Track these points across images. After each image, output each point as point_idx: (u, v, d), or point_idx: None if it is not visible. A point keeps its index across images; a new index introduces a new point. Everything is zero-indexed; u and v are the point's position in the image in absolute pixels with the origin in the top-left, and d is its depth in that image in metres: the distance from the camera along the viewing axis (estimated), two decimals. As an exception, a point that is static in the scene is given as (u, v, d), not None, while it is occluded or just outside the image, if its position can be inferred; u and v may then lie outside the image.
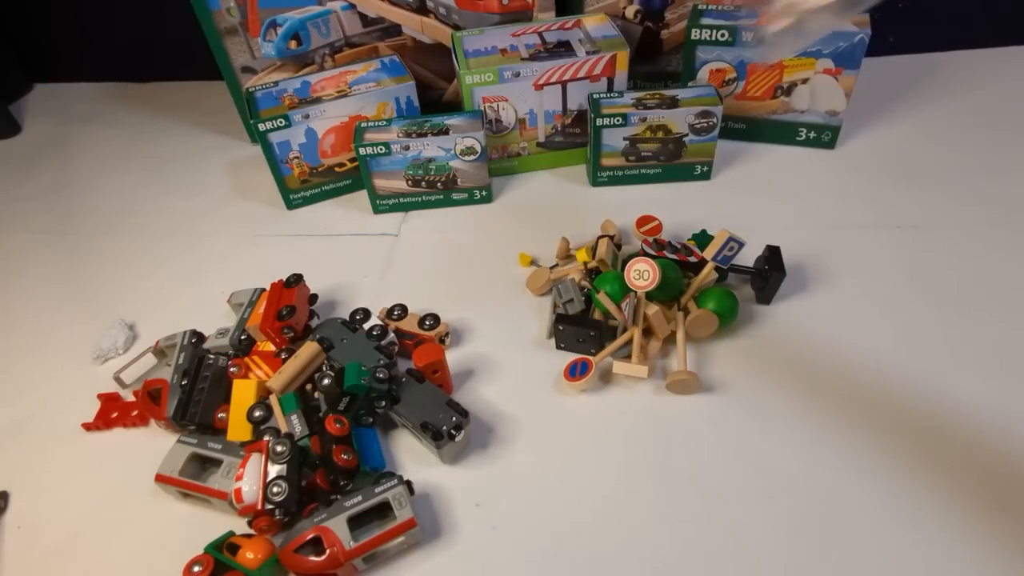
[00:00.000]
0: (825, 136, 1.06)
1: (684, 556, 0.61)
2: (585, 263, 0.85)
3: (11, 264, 1.03)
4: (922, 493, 0.64)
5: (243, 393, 0.73)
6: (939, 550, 0.60)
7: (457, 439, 0.68)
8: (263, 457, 0.64)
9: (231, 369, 0.76)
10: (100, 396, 0.79)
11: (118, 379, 0.80)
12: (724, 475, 0.67)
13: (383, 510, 0.63)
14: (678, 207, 0.98)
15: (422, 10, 1.08)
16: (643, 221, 0.90)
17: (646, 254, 0.83)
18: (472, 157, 0.98)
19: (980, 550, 0.59)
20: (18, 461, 0.75)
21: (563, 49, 0.99)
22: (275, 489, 0.62)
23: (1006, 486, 0.63)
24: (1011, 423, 0.68)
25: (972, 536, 0.60)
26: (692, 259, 0.82)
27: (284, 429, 0.67)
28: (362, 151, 0.96)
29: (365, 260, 0.96)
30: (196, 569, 0.59)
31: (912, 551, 0.60)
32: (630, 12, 1.11)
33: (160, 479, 0.68)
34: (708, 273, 0.81)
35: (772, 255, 0.81)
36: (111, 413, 0.77)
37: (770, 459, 0.68)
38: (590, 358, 0.76)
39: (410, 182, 1.00)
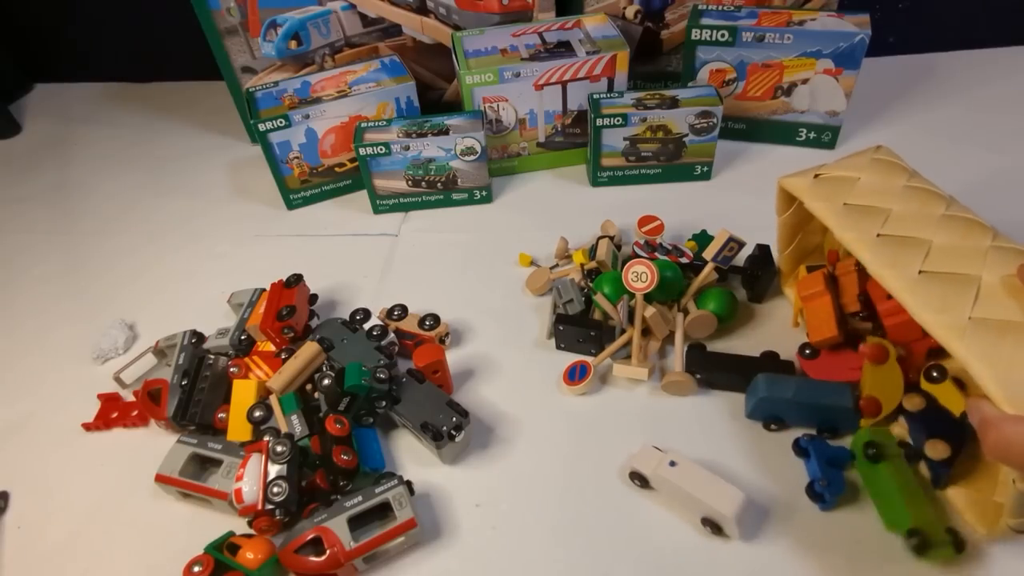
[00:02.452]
0: (825, 136, 1.06)
1: (685, 556, 0.61)
2: (582, 264, 0.85)
3: (11, 264, 1.03)
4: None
5: (243, 393, 0.73)
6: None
7: (457, 439, 0.68)
8: (263, 457, 0.64)
9: (231, 369, 0.76)
10: (100, 396, 0.79)
11: (118, 379, 0.80)
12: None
13: (383, 510, 0.63)
14: (678, 207, 0.98)
15: (422, 10, 1.08)
16: (645, 221, 0.90)
17: (636, 256, 0.83)
18: (472, 157, 0.98)
19: None
20: (18, 461, 0.75)
21: (563, 49, 0.99)
22: (275, 489, 0.62)
23: None
24: None
25: None
26: (683, 260, 0.82)
27: (284, 429, 0.67)
28: (362, 151, 0.96)
29: (365, 260, 0.96)
30: (196, 569, 0.59)
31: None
32: (630, 12, 1.11)
33: (160, 479, 0.68)
34: (708, 274, 0.81)
35: (763, 254, 0.82)
36: (111, 413, 0.77)
37: (770, 459, 0.68)
38: (588, 361, 0.76)
39: (410, 182, 1.00)
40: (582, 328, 0.77)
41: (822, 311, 0.72)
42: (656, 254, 0.83)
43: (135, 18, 1.35)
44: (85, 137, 1.31)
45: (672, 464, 0.63)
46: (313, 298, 0.86)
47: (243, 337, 0.80)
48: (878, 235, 0.60)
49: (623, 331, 0.78)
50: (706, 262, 0.81)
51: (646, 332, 0.78)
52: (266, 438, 0.66)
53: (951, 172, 1.01)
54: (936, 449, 0.56)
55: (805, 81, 1.01)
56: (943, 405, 0.60)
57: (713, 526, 0.61)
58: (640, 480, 0.65)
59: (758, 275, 0.81)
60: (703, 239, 0.89)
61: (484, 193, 1.03)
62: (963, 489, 0.60)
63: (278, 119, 0.96)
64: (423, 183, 1.01)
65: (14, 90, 1.45)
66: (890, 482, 0.59)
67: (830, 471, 0.62)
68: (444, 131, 0.96)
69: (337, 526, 0.60)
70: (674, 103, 0.96)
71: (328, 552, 0.59)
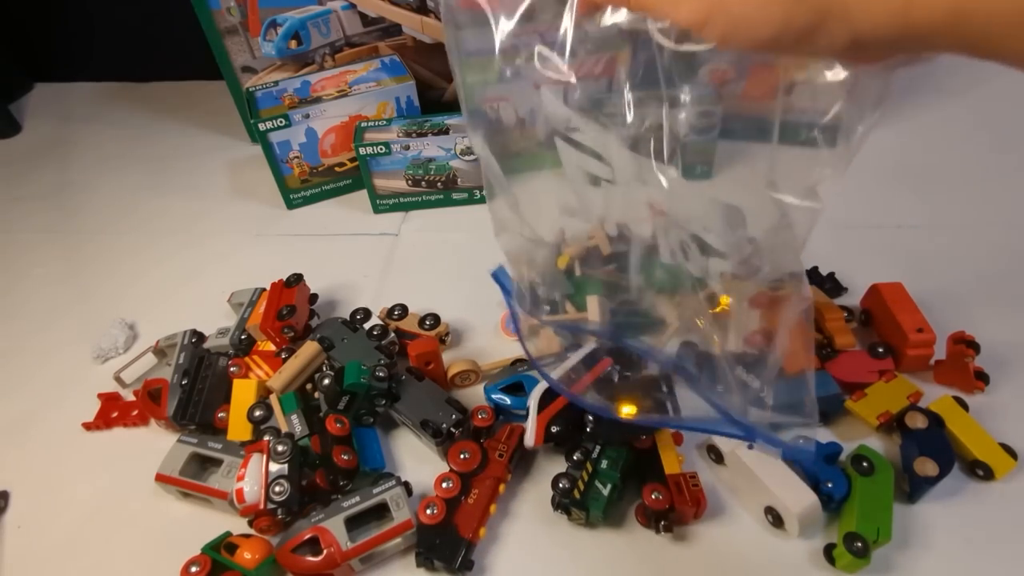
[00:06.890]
0: (825, 136, 1.06)
1: (685, 555, 0.61)
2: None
3: (11, 264, 1.03)
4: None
5: (243, 393, 0.73)
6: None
7: (457, 437, 0.68)
8: (264, 457, 0.64)
9: (231, 369, 0.76)
10: (100, 396, 0.79)
11: (118, 379, 0.80)
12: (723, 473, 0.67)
13: (381, 511, 0.63)
14: (678, 207, 0.98)
15: (422, 10, 1.08)
16: None
17: None
18: (472, 157, 0.98)
19: None
20: (18, 461, 0.75)
21: (563, 49, 0.99)
22: (277, 489, 0.62)
23: None
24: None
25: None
26: None
27: (284, 429, 0.67)
28: (362, 151, 0.96)
29: (365, 260, 0.96)
30: (194, 569, 0.59)
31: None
32: (630, 12, 1.11)
33: (160, 479, 0.68)
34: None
35: None
36: (111, 413, 0.77)
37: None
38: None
39: (410, 182, 1.00)
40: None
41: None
42: None
43: (135, 18, 1.34)
44: (85, 137, 1.31)
45: (750, 447, 0.62)
46: (313, 298, 0.86)
47: (243, 337, 0.80)
48: None
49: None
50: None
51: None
52: (266, 438, 0.66)
53: (952, 171, 1.01)
54: (925, 467, 0.61)
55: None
56: (941, 430, 0.64)
57: (775, 517, 0.61)
58: (715, 455, 0.66)
59: None
60: (703, 239, 0.89)
61: (484, 192, 1.03)
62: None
63: (278, 119, 0.96)
64: (423, 183, 1.01)
65: (14, 90, 1.45)
66: (880, 493, 0.61)
67: (828, 469, 0.62)
68: (444, 131, 0.96)
69: (334, 526, 0.60)
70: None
71: (325, 552, 0.59)
